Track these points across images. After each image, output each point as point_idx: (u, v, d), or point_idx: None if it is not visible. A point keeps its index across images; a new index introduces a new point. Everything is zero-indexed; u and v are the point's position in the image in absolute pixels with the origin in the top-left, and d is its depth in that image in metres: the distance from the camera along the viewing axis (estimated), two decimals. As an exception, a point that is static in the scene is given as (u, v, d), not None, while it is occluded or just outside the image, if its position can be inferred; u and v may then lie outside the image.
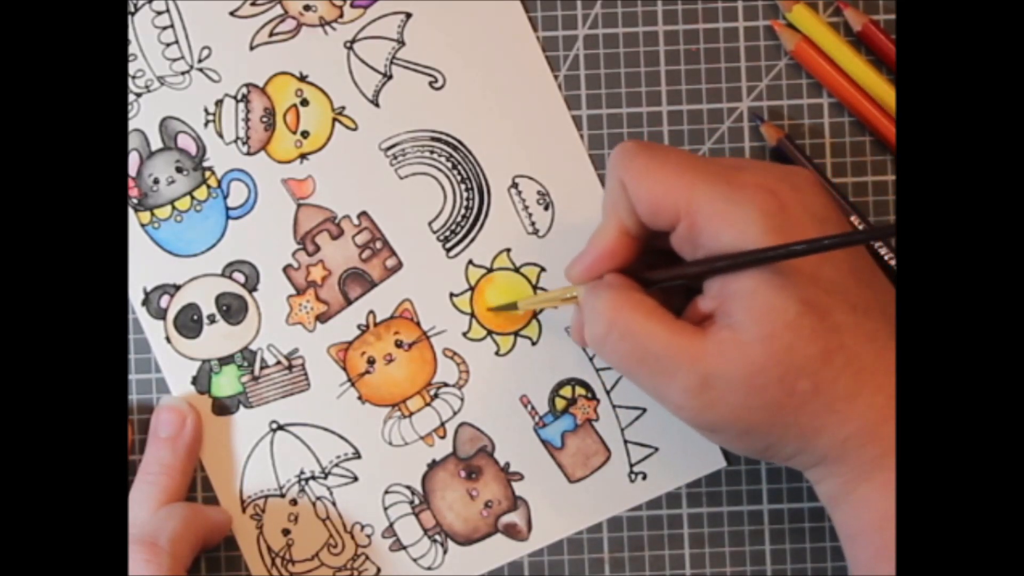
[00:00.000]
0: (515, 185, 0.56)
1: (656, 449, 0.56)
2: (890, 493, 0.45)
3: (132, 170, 0.56)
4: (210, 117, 0.56)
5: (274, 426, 0.56)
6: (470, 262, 0.56)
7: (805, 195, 0.46)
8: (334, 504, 0.56)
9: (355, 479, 0.56)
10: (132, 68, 0.56)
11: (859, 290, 0.46)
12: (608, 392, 0.56)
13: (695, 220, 0.46)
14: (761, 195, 0.45)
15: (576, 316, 0.51)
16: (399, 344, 0.56)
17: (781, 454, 0.47)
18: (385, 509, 0.56)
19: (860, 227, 0.54)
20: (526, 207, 0.56)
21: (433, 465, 0.56)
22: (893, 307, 0.47)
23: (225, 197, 0.56)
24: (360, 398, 0.56)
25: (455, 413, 0.56)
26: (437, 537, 0.56)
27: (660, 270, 0.49)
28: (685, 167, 0.47)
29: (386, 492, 0.56)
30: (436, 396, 0.56)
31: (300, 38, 0.56)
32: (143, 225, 0.56)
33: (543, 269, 0.56)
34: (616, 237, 0.49)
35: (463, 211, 0.56)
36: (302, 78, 0.56)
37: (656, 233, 0.48)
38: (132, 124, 0.56)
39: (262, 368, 0.56)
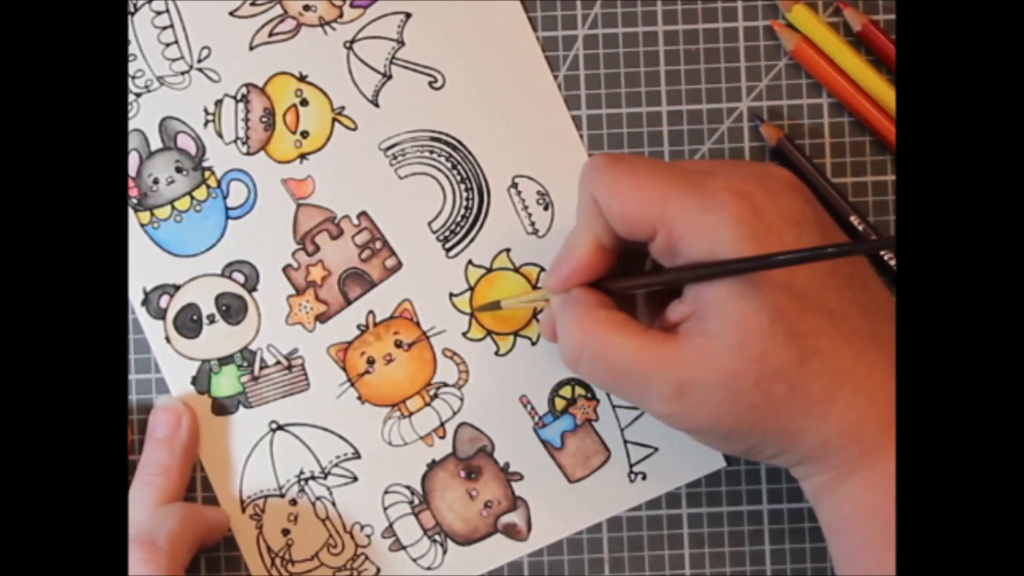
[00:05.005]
0: (515, 185, 0.56)
1: (656, 449, 0.56)
2: (872, 489, 0.45)
3: (132, 170, 0.56)
4: (210, 117, 0.56)
5: (274, 426, 0.56)
6: (470, 262, 0.56)
7: (781, 198, 0.46)
8: (334, 504, 0.56)
9: (355, 479, 0.56)
10: (132, 68, 0.56)
11: (837, 292, 0.46)
12: (608, 392, 0.56)
13: (671, 231, 0.46)
14: (734, 201, 0.45)
15: (545, 315, 0.52)
16: (399, 344, 0.56)
17: (763, 454, 0.47)
18: (385, 509, 0.56)
19: (859, 227, 0.54)
20: (526, 207, 0.56)
21: (433, 465, 0.56)
22: (874, 306, 0.47)
23: (225, 197, 0.56)
24: (360, 398, 0.56)
25: (455, 413, 0.56)
26: (437, 537, 0.56)
27: (624, 280, 0.49)
28: (656, 178, 0.46)
29: (386, 492, 0.56)
30: (436, 396, 0.56)
31: (300, 38, 0.56)
32: (143, 225, 0.56)
33: (543, 269, 0.56)
34: (591, 251, 0.48)
35: (463, 211, 0.56)
36: (302, 78, 0.56)
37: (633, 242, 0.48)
38: (132, 124, 0.56)
39: (262, 368, 0.56)
